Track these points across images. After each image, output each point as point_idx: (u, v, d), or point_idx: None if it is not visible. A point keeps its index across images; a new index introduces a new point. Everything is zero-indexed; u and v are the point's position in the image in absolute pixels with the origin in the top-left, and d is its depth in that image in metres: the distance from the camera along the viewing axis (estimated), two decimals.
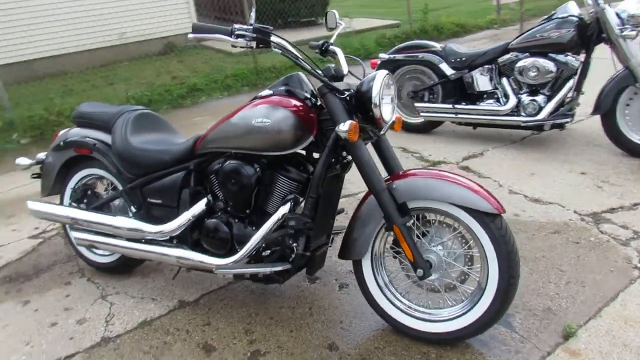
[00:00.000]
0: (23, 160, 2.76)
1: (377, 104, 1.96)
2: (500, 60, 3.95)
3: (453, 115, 4.15)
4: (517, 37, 3.90)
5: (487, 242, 1.90)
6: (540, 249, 2.65)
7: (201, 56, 8.95)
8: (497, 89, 4.01)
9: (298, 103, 2.07)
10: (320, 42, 2.43)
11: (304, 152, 2.24)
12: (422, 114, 4.31)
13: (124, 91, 6.74)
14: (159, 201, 2.43)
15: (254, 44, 1.89)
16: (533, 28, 3.81)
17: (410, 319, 2.08)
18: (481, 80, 4.04)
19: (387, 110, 2.04)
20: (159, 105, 6.52)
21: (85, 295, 2.63)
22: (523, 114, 3.84)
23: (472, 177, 3.55)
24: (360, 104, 2.02)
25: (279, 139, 2.05)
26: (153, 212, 2.45)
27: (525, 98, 3.83)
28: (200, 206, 2.28)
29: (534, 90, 3.84)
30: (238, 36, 1.88)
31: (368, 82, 1.99)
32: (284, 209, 2.10)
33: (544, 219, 2.94)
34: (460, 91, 4.14)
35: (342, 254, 2.16)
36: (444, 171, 2.03)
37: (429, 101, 4.30)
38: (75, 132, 2.64)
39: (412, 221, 2.05)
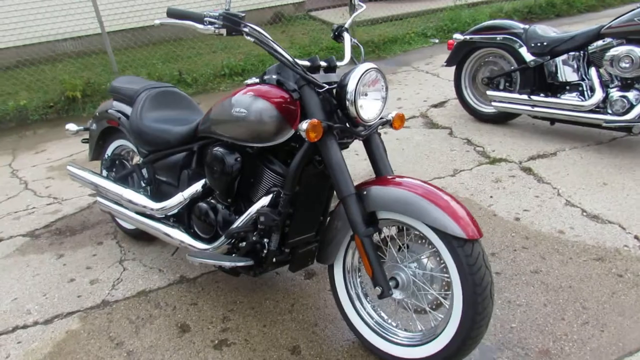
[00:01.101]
0: (72, 127, 3.01)
1: (352, 100, 1.78)
2: (590, 47, 3.37)
3: (528, 108, 3.67)
4: (612, 20, 3.28)
5: (453, 269, 1.66)
6: (570, 277, 2.26)
7: (305, 27, 8.96)
8: (583, 80, 3.44)
9: (282, 95, 1.94)
10: (335, 25, 2.29)
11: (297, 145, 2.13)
12: (493, 103, 3.88)
13: (222, 60, 7.04)
14: (164, 179, 2.51)
15: (223, 31, 1.81)
16: (634, 10, 3.17)
17: (375, 337, 1.92)
18: (565, 69, 3.50)
19: (369, 109, 1.85)
20: (250, 75, 6.70)
21: (108, 257, 2.84)
22: (609, 111, 3.27)
23: (530, 181, 3.14)
24: (339, 100, 1.85)
25: (256, 130, 1.96)
26: (161, 189, 2.54)
27: (615, 93, 3.24)
28: (195, 188, 2.30)
29: (626, 85, 3.24)
30: (209, 23, 1.81)
31: (347, 76, 1.81)
32: (264, 201, 2.03)
33: (592, 241, 2.50)
34: (539, 80, 3.63)
35: (317, 256, 2.05)
36: (427, 184, 1.78)
37: (504, 89, 3.84)
38: (109, 105, 2.81)
39: (382, 233, 1.88)
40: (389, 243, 1.88)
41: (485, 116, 4.10)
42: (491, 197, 3.01)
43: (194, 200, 2.31)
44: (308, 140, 1.75)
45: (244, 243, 2.10)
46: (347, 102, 1.79)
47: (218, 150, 2.12)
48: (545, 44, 3.52)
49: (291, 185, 1.95)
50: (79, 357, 2.11)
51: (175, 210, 2.37)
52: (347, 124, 1.88)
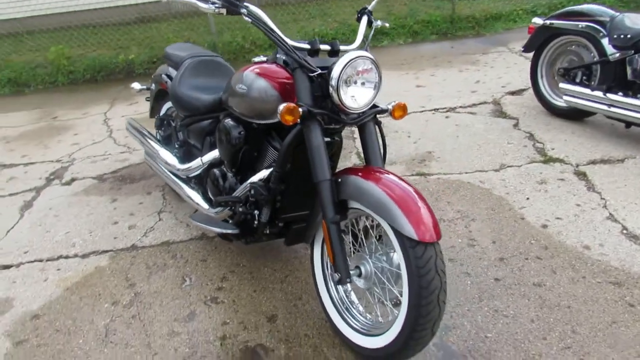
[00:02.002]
0: (136, 85, 3.32)
1: (335, 87, 1.78)
2: None
3: (603, 107, 3.30)
4: None
5: (403, 269, 1.65)
6: (574, 297, 2.10)
7: None
8: None
9: (284, 75, 2.00)
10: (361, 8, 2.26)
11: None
12: (564, 97, 3.54)
13: (315, 27, 7.12)
14: (193, 143, 2.71)
15: (223, 11, 1.89)
16: None
17: (339, 320, 1.97)
18: None
19: (359, 97, 1.84)
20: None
21: (150, 207, 3.15)
22: None
23: (579, 187, 2.88)
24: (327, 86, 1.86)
25: (255, 107, 2.05)
26: (190, 152, 2.75)
27: None
28: (212, 155, 2.46)
29: None
30: (211, 3, 1.90)
31: (333, 62, 1.81)
32: (260, 175, 2.13)
33: (618, 262, 2.27)
34: (620, 77, 3.24)
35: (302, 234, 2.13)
36: (403, 182, 1.75)
37: (580, 83, 3.48)
38: (162, 69, 3.05)
39: (362, 222, 1.89)
40: (363, 233, 1.90)
41: (558, 110, 3.77)
42: (527, 198, 2.82)
43: (211, 165, 2.48)
44: (284, 123, 1.80)
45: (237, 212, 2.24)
46: (330, 89, 1.80)
47: (226, 122, 2.25)
48: (629, 36, 3.12)
49: (281, 163, 2.01)
50: (97, 291, 2.43)
51: (195, 173, 2.57)
52: (334, 111, 1.88)
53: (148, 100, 3.40)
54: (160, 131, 3.16)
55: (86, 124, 4.86)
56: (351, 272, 1.84)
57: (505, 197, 2.86)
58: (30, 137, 4.68)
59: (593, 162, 3.14)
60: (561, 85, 3.55)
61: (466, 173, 3.17)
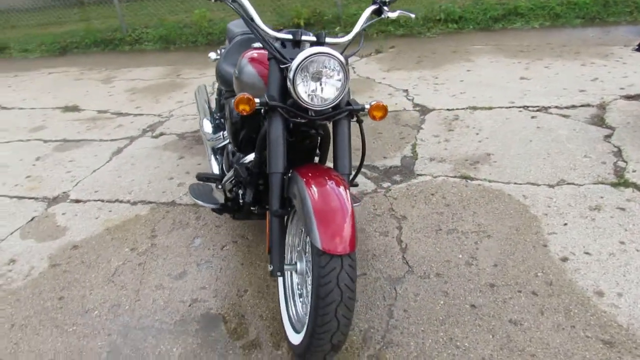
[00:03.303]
0: (212, 55, 3.59)
1: (292, 80, 1.77)
2: None
3: None
4: None
5: (309, 276, 1.63)
6: (546, 346, 1.84)
7: None
8: None
9: None
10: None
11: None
12: None
13: (442, 2, 6.70)
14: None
15: None
16: None
17: (284, 307, 2.01)
18: None
19: (318, 92, 1.80)
20: (465, 24, 6.28)
21: (203, 169, 3.45)
22: None
23: (638, 224, 2.42)
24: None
25: (244, 92, 2.12)
26: (224, 126, 2.94)
27: None
28: None
29: None
30: None
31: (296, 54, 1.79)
32: (250, 157, 2.23)
33: (626, 321, 1.90)
34: None
35: None
36: (342, 188, 1.69)
37: None
38: (225, 45, 3.26)
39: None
40: None
41: None
42: (565, 224, 2.46)
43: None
44: (238, 112, 1.85)
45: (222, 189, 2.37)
46: (288, 82, 1.79)
47: (230, 101, 2.36)
48: None
49: (259, 149, 2.08)
50: (125, 236, 2.80)
51: (220, 145, 2.76)
52: (297, 105, 1.87)
53: None
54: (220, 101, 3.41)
55: (198, 83, 5.37)
56: (289, 266, 1.88)
57: (539, 218, 2.53)
58: (152, 90, 5.35)
59: None
60: None
61: (514, 184, 2.85)
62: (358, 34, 2.04)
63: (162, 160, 3.64)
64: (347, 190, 1.71)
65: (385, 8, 2.14)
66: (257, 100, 1.82)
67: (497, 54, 5.12)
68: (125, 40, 7.48)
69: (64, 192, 3.35)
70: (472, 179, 2.95)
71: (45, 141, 4.25)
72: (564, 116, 3.58)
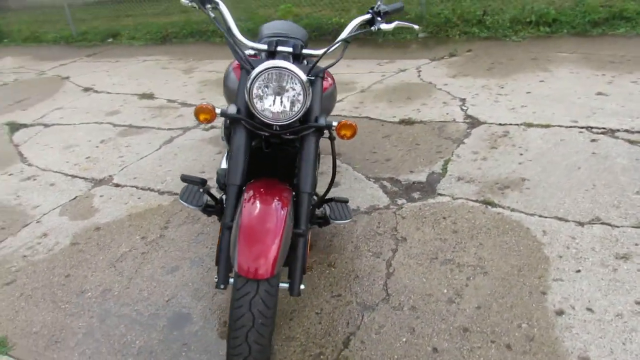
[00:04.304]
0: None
1: (248, 92, 1.74)
2: None
3: None
4: None
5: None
6: None
7: None
8: None
9: None
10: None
11: None
12: None
13: (534, 3, 6.12)
14: None
15: (195, 4, 1.98)
16: None
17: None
18: None
19: (275, 107, 1.76)
20: (559, 27, 5.68)
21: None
22: None
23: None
24: None
25: (229, 98, 2.17)
26: None
27: None
28: None
29: None
30: None
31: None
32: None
33: None
34: None
35: None
36: (280, 207, 1.64)
37: None
38: None
39: None
40: None
41: None
42: (578, 271, 2.15)
43: None
44: (199, 121, 1.85)
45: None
46: (246, 95, 1.77)
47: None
48: None
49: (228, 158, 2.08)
50: (141, 224, 2.97)
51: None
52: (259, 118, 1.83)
53: None
54: None
55: None
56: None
57: (550, 260, 2.24)
58: (221, 83, 5.55)
59: None
60: None
61: (538, 216, 2.55)
62: (340, 46, 1.94)
63: (201, 153, 3.79)
64: (287, 211, 1.66)
65: (379, 19, 2.02)
66: (217, 110, 1.82)
67: (581, 64, 4.57)
68: (217, 33, 7.84)
69: (109, 176, 3.63)
70: (493, 205, 2.69)
71: (114, 125, 4.62)
72: (631, 142, 3.11)
